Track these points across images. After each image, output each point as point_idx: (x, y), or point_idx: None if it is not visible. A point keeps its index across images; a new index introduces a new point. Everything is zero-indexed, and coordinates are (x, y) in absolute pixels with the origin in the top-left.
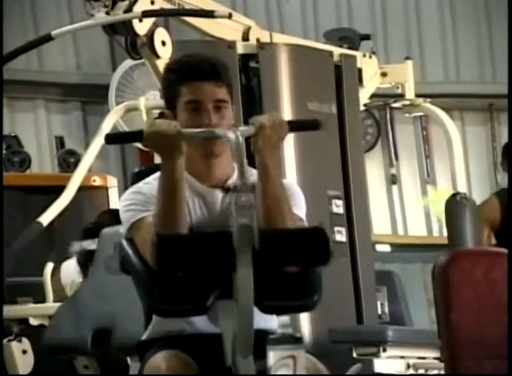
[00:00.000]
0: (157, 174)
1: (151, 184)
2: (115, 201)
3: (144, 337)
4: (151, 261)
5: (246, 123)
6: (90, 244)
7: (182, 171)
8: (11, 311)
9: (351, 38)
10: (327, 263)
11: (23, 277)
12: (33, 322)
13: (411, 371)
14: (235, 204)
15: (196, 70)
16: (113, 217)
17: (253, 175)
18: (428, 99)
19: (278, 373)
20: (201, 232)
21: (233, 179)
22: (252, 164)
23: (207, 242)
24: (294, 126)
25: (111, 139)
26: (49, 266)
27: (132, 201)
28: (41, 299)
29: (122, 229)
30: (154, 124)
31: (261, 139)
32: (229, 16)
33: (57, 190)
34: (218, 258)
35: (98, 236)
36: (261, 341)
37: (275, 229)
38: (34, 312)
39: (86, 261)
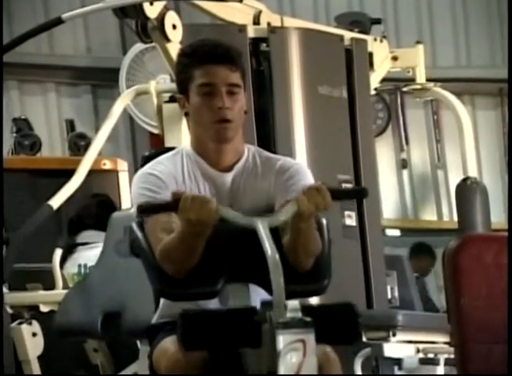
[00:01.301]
0: (170, 153)
1: (163, 164)
2: (125, 185)
3: (153, 321)
4: (159, 261)
5: (257, 108)
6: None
7: (207, 236)
8: (21, 298)
9: (362, 22)
10: (356, 343)
11: (32, 263)
12: (43, 308)
13: (420, 355)
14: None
15: (210, 54)
16: (98, 206)
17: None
18: (439, 84)
19: (287, 357)
20: (226, 309)
21: (242, 163)
22: (262, 147)
23: (231, 318)
24: (338, 196)
25: (145, 210)
26: (58, 252)
27: (144, 184)
28: (50, 285)
29: (133, 209)
30: (189, 199)
31: (301, 215)
32: (240, 0)
33: (67, 174)
34: (243, 334)
35: (80, 230)
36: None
37: (304, 305)
38: (44, 299)
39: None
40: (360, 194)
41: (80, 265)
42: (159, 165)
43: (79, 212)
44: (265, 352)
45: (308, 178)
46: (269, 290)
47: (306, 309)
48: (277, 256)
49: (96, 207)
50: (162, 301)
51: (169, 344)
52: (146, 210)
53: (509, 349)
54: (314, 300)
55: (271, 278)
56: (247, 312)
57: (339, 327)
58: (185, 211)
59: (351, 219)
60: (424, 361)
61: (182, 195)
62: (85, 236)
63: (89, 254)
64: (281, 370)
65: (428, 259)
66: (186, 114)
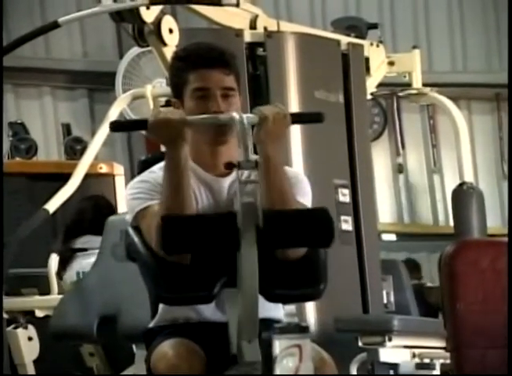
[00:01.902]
0: (162, 163)
1: (156, 173)
2: (121, 189)
3: (151, 325)
4: (156, 246)
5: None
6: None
7: (186, 159)
8: (17, 303)
9: (358, 27)
10: (330, 245)
11: (28, 268)
12: (38, 313)
13: (416, 360)
14: (238, 181)
15: (204, 58)
16: (95, 209)
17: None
18: (435, 89)
19: (284, 362)
20: (206, 213)
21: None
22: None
23: (211, 222)
24: (297, 118)
25: (116, 126)
26: (53, 257)
27: (138, 190)
28: (46, 290)
29: (128, 216)
30: (159, 112)
31: (263, 129)
32: (237, 4)
33: (63, 178)
34: (223, 237)
35: (78, 235)
36: (267, 330)
37: (280, 209)
38: (40, 304)
39: (67, 259)
40: (317, 118)
41: (78, 273)
42: (152, 174)
43: (75, 217)
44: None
45: (305, 186)
46: (266, 295)
47: (282, 214)
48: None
49: (92, 210)
50: (161, 305)
51: (167, 348)
52: (118, 127)
53: (509, 350)
54: (310, 304)
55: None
56: (228, 216)
57: (315, 230)
58: (154, 128)
59: (347, 224)
60: (420, 366)
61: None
62: (83, 241)
63: (88, 261)
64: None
65: (414, 274)
66: None
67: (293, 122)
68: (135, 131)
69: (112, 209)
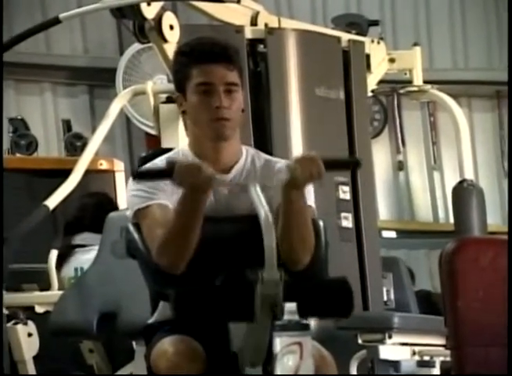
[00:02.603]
0: (164, 156)
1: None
2: (122, 185)
3: (150, 321)
4: (156, 258)
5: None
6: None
7: (204, 207)
8: (17, 298)
9: (359, 24)
10: (349, 316)
11: (28, 264)
12: (38, 309)
13: (416, 358)
14: (261, 280)
15: (207, 53)
16: (96, 207)
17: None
18: (436, 86)
19: (284, 359)
20: (221, 283)
21: (241, 164)
22: (258, 148)
23: (227, 296)
24: (331, 167)
25: (141, 175)
26: (54, 253)
27: (139, 186)
28: (46, 286)
29: (128, 212)
30: (187, 161)
31: (293, 183)
32: (238, 1)
33: (64, 174)
34: (238, 313)
35: (78, 231)
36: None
37: (300, 281)
38: (40, 300)
39: (65, 255)
40: (353, 164)
41: (76, 269)
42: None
43: (76, 213)
44: (258, 316)
45: (310, 188)
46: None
47: (301, 285)
48: (270, 217)
49: (93, 208)
50: (161, 302)
51: (167, 345)
52: (143, 175)
53: (509, 350)
54: None
55: (263, 238)
56: (244, 288)
57: (335, 301)
58: (181, 175)
59: (347, 221)
60: (420, 364)
61: (176, 162)
62: (82, 238)
63: (86, 257)
64: (278, 373)
65: None
66: (184, 113)
67: (327, 170)
68: (161, 179)
69: (114, 206)
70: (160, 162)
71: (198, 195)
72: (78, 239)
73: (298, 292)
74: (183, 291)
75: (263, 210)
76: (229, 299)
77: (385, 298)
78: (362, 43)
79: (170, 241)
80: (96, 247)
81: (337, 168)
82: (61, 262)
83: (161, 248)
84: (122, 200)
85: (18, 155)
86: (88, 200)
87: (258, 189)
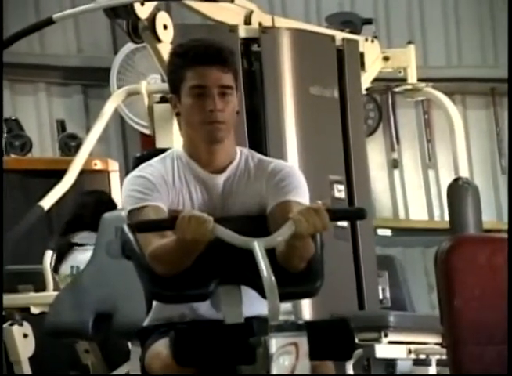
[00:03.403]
0: (161, 156)
1: (154, 167)
2: (116, 185)
3: (145, 323)
4: (149, 261)
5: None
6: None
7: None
8: (12, 299)
9: (353, 22)
10: (351, 358)
11: (23, 265)
12: (34, 310)
13: (412, 356)
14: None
15: (202, 55)
16: (96, 205)
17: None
18: (430, 84)
19: (280, 360)
20: (219, 324)
21: (234, 165)
22: (253, 147)
23: (225, 335)
24: (337, 217)
25: (143, 228)
26: (48, 254)
27: (134, 187)
28: (41, 287)
29: (124, 213)
30: (186, 213)
31: (298, 235)
32: (231, 0)
33: (58, 174)
34: (237, 352)
35: (78, 230)
36: (258, 328)
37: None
38: (35, 301)
39: (64, 253)
40: (359, 215)
41: (72, 267)
42: (149, 168)
43: (76, 211)
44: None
45: (300, 181)
46: (261, 291)
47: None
48: (273, 278)
49: (93, 205)
50: (154, 303)
51: (162, 347)
52: (143, 228)
53: (509, 349)
54: (306, 301)
55: (267, 301)
56: (242, 328)
57: (335, 344)
58: (182, 229)
59: None
60: (416, 362)
61: (179, 213)
62: (81, 237)
63: (82, 256)
64: (274, 374)
65: None
66: (178, 114)
67: (332, 220)
68: (162, 231)
69: (114, 205)
70: (154, 163)
71: (198, 245)
72: (77, 237)
73: None
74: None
75: (266, 271)
76: (231, 346)
77: (381, 297)
78: (356, 42)
79: (165, 258)
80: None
81: (342, 218)
82: (60, 259)
83: (156, 259)
84: (117, 200)
85: (12, 156)
86: (89, 198)
87: (263, 248)
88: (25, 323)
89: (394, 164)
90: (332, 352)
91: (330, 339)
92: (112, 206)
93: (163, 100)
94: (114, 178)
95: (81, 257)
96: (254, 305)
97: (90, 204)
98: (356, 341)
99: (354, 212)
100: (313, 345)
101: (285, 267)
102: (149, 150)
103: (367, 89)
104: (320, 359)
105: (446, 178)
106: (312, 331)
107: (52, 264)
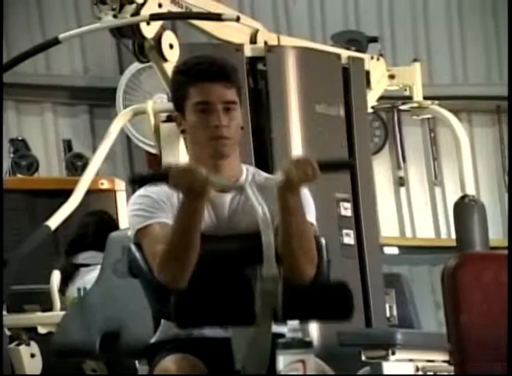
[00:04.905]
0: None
1: (159, 186)
2: (123, 205)
3: (152, 340)
4: (158, 275)
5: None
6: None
7: (202, 211)
8: (19, 319)
9: (358, 41)
10: (350, 319)
11: (30, 285)
12: (41, 330)
13: (420, 374)
14: (260, 277)
15: (205, 72)
16: (97, 225)
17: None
18: (436, 101)
19: None
20: (220, 284)
21: (241, 181)
22: (259, 166)
23: (226, 299)
24: (325, 169)
25: (136, 180)
26: (56, 274)
27: (139, 206)
28: (48, 307)
29: (130, 232)
30: (182, 165)
31: (288, 185)
32: (237, 19)
33: (65, 194)
34: (238, 315)
35: (80, 250)
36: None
37: (298, 288)
38: (42, 320)
39: (70, 274)
40: (347, 166)
41: (79, 289)
42: (154, 188)
43: (79, 231)
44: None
45: (307, 199)
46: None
47: (301, 293)
48: (267, 214)
49: (95, 226)
50: (162, 321)
51: (170, 363)
52: (138, 180)
53: (509, 352)
54: None
55: (261, 235)
56: (243, 288)
57: (334, 306)
58: (176, 179)
59: (349, 238)
60: None
61: (172, 166)
62: (85, 257)
63: (88, 277)
64: None
65: None
66: (183, 132)
67: (322, 172)
68: (155, 183)
69: (115, 225)
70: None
71: (194, 198)
72: (81, 258)
73: (298, 296)
74: (184, 295)
75: (260, 208)
76: (229, 302)
77: (388, 315)
78: (361, 60)
79: (170, 252)
80: (99, 267)
81: (332, 169)
82: (65, 282)
83: (162, 262)
84: (124, 220)
85: (19, 176)
86: (90, 218)
87: (255, 189)
88: (32, 343)
89: (401, 182)
90: (332, 313)
91: (330, 300)
92: (114, 225)
93: (169, 119)
94: (121, 197)
95: (87, 277)
96: None
97: (91, 224)
98: (364, 358)
99: (343, 163)
100: (314, 306)
101: (296, 276)
102: (156, 168)
103: (373, 107)
104: (321, 319)
105: (453, 196)
106: (313, 293)
107: (58, 285)
